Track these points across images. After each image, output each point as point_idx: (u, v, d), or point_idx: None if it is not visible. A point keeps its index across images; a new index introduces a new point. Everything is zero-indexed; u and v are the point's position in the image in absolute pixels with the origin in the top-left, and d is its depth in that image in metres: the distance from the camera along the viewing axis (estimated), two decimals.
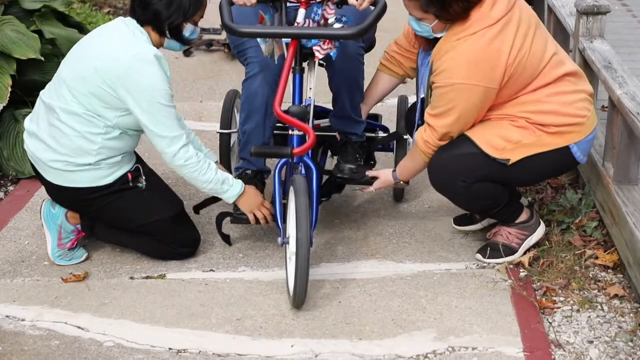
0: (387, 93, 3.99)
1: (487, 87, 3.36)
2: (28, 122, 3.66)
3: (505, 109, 3.47)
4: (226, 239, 3.88)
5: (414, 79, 3.86)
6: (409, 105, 4.13)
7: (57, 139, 3.53)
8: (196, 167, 3.54)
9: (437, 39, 3.48)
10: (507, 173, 3.51)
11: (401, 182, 3.77)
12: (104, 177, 3.56)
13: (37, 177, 3.71)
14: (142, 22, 3.51)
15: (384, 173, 3.79)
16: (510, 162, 3.47)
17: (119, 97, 3.43)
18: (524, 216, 3.73)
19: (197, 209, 3.90)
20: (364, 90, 3.95)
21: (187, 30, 3.55)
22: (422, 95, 3.71)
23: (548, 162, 3.52)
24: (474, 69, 3.33)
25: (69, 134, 3.51)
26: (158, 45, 3.55)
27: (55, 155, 3.54)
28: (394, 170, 3.75)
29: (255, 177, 3.85)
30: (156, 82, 3.42)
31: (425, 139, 3.52)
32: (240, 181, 3.68)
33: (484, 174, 3.51)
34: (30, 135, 3.62)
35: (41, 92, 3.65)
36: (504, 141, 3.46)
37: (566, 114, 3.47)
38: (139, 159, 3.72)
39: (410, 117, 3.97)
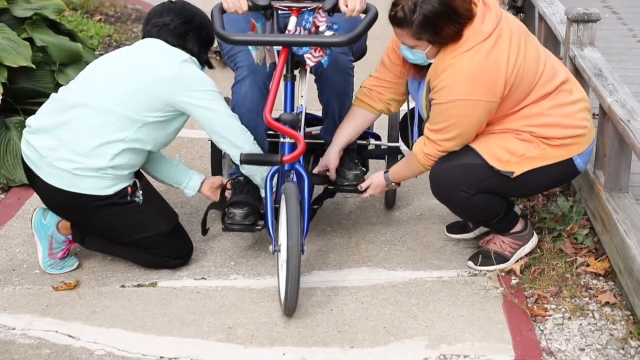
0: (361, 131, 3.84)
1: (489, 102, 3.36)
2: (33, 120, 3.61)
3: (509, 124, 3.47)
4: (204, 229, 3.87)
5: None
6: (401, 114, 4.12)
7: (75, 135, 3.49)
8: (257, 145, 3.66)
9: (429, 65, 3.48)
10: (510, 185, 3.51)
11: (393, 183, 3.77)
12: (105, 187, 3.54)
13: (31, 183, 3.67)
14: (173, 46, 3.62)
15: (376, 178, 3.78)
16: (514, 175, 3.47)
17: (171, 103, 3.49)
18: (519, 226, 3.74)
19: (204, 229, 3.89)
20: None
21: None
22: (417, 109, 3.70)
23: (551, 174, 3.53)
24: (474, 85, 3.33)
25: (91, 133, 3.48)
26: None
27: (66, 154, 3.49)
28: (386, 172, 3.75)
29: (248, 183, 3.85)
30: (202, 75, 3.57)
31: (426, 152, 3.51)
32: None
33: (487, 185, 3.51)
34: (37, 132, 3.57)
35: (58, 92, 3.62)
36: (509, 154, 3.46)
37: (568, 125, 3.48)
38: (136, 173, 3.70)
39: (404, 128, 3.96)
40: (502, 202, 3.61)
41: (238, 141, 3.58)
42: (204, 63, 3.73)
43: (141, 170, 3.78)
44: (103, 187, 3.53)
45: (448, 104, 3.37)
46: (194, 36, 3.64)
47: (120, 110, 3.48)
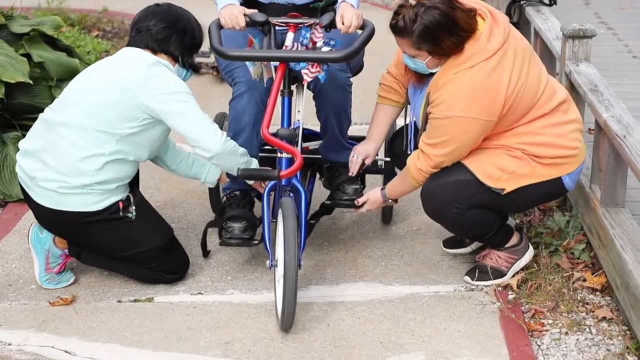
0: (391, 124, 3.91)
1: (486, 120, 3.37)
2: (23, 143, 3.64)
3: (502, 140, 3.48)
4: (205, 250, 3.90)
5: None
6: (396, 129, 4.13)
7: (57, 156, 3.51)
8: (233, 142, 3.57)
9: (431, 74, 3.49)
10: (500, 201, 3.51)
11: (390, 200, 3.78)
12: (94, 203, 3.54)
13: (26, 200, 3.69)
14: (155, 51, 3.58)
15: (372, 194, 3.79)
16: (505, 192, 3.48)
17: (141, 105, 3.45)
18: (514, 240, 3.74)
19: (204, 251, 3.93)
20: (367, 128, 3.90)
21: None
22: (414, 119, 3.71)
23: (540, 191, 3.53)
24: (473, 102, 3.34)
25: (71, 152, 3.49)
26: None
27: (51, 174, 3.51)
28: (383, 189, 3.76)
29: (243, 198, 3.85)
30: (173, 77, 3.50)
31: (418, 167, 3.52)
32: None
33: (477, 200, 3.51)
34: (25, 154, 3.60)
35: (44, 112, 3.64)
36: (500, 171, 3.47)
37: (560, 146, 3.49)
38: (132, 187, 3.69)
39: (393, 147, 3.95)
40: (495, 217, 3.61)
41: (209, 142, 3.49)
42: (189, 67, 3.68)
43: (159, 163, 3.81)
44: (91, 202, 3.54)
45: (445, 119, 3.38)
46: (177, 40, 3.59)
47: (96, 125, 3.47)
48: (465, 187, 3.49)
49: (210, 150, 3.50)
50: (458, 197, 3.50)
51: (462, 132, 3.39)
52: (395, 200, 3.82)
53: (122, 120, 3.48)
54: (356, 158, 3.83)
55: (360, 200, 3.82)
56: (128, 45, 3.64)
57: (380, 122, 3.85)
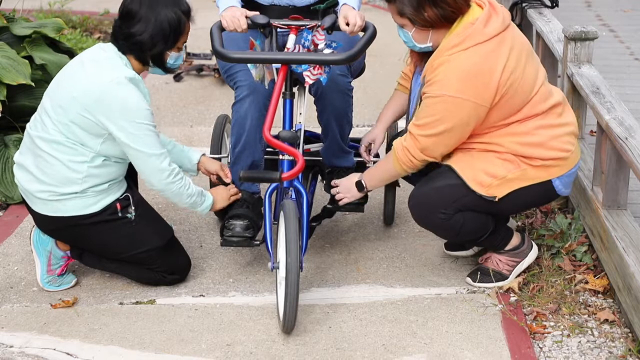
0: (403, 110, 3.86)
1: (477, 104, 3.35)
2: (17, 156, 3.66)
3: (493, 137, 3.46)
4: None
5: None
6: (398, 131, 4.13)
7: (43, 169, 3.52)
8: (182, 182, 3.54)
9: (428, 55, 3.48)
10: (490, 206, 3.50)
11: (366, 189, 3.68)
12: (90, 205, 3.54)
13: (27, 208, 3.69)
14: (124, 51, 3.51)
15: (346, 187, 3.71)
16: (497, 199, 3.47)
17: (100, 124, 3.42)
18: (515, 241, 3.73)
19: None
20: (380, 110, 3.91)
21: (172, 57, 3.56)
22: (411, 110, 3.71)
23: (530, 194, 3.52)
24: (466, 84, 3.32)
25: (54, 164, 3.49)
26: (140, 71, 3.55)
27: (42, 186, 3.53)
28: (359, 181, 3.66)
29: (247, 199, 3.85)
30: (133, 103, 3.40)
31: (405, 146, 3.47)
32: (206, 192, 3.70)
33: (464, 204, 3.48)
34: (19, 167, 3.63)
35: (27, 125, 3.65)
36: (490, 177, 3.45)
37: (552, 147, 3.47)
38: (129, 187, 3.69)
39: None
40: (485, 220, 3.58)
41: (152, 180, 3.50)
42: (160, 66, 3.57)
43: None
44: (87, 205, 3.54)
45: (437, 98, 3.35)
46: (145, 46, 3.46)
47: (69, 139, 3.47)
48: (450, 192, 3.47)
49: (153, 186, 3.53)
50: (443, 202, 3.48)
51: (452, 113, 3.35)
52: (366, 190, 3.70)
53: (90, 135, 3.46)
54: (364, 147, 3.85)
55: (334, 191, 3.76)
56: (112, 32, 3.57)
57: (392, 106, 3.88)
